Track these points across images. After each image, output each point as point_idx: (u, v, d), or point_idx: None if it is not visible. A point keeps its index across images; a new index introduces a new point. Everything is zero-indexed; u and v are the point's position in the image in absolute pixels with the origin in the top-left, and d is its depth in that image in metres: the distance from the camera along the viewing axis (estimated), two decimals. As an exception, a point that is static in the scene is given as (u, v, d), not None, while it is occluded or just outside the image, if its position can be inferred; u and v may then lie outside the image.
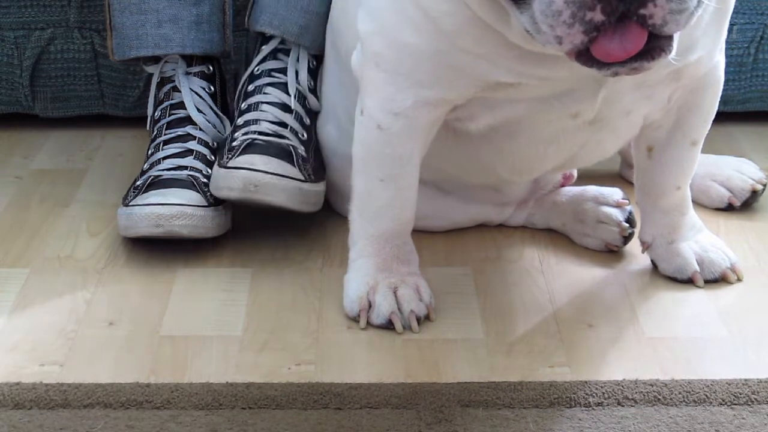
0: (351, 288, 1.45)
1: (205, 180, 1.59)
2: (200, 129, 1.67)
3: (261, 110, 1.63)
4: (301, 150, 1.59)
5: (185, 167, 1.61)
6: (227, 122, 1.71)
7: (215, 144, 1.67)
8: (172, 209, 1.54)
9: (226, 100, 1.76)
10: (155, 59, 1.73)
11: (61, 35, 1.92)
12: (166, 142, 1.65)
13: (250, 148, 1.56)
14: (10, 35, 1.92)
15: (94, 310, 1.46)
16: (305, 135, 1.62)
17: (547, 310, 1.46)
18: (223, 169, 1.55)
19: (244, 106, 1.65)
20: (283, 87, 1.65)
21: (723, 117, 1.95)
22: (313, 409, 1.26)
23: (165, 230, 1.54)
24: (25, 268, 1.56)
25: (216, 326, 1.43)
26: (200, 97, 1.70)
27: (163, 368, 1.34)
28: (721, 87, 1.46)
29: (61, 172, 1.85)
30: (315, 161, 1.61)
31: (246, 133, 1.59)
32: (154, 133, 1.69)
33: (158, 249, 1.59)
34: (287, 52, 1.68)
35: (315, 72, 1.69)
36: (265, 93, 1.65)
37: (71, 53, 1.92)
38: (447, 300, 1.48)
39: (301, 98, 1.65)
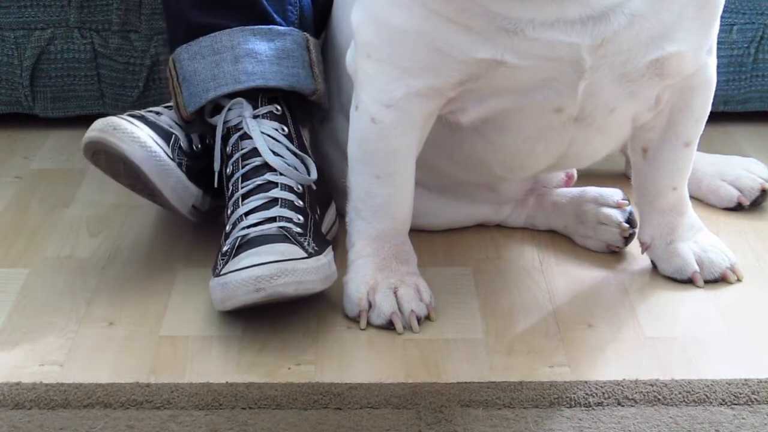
0: (350, 289, 1.45)
1: (298, 230, 1.43)
2: (280, 174, 1.49)
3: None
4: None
5: (273, 219, 1.44)
6: (311, 161, 1.53)
7: (300, 188, 1.50)
8: (271, 268, 1.36)
9: (303, 141, 1.58)
10: (218, 109, 1.56)
11: (61, 35, 1.92)
12: (245, 196, 1.48)
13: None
14: (10, 35, 1.92)
15: (94, 310, 1.46)
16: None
17: (547, 310, 1.46)
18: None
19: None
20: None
21: (723, 117, 1.95)
22: (313, 409, 1.26)
23: (267, 293, 1.36)
24: (25, 268, 1.56)
25: (216, 326, 1.43)
26: (275, 139, 1.52)
27: (163, 368, 1.34)
28: (713, 88, 1.46)
29: (61, 172, 1.85)
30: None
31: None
32: (230, 190, 1.51)
33: (158, 249, 1.59)
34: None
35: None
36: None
37: (71, 53, 1.92)
38: (447, 300, 1.48)
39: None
